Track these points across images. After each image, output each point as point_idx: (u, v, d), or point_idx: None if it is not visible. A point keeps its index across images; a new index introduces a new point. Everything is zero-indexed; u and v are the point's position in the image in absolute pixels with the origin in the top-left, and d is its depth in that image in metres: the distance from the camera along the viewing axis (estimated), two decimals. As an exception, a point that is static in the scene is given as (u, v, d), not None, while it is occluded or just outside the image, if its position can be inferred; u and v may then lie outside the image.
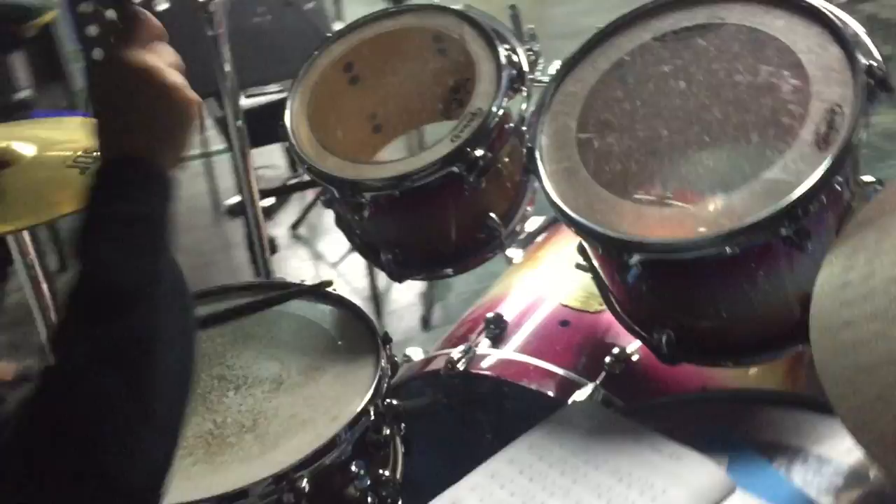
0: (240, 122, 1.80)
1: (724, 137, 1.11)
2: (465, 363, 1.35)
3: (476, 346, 1.40)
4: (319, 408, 1.12)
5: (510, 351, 1.40)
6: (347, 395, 1.14)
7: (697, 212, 1.04)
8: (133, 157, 0.75)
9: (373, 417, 1.12)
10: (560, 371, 1.33)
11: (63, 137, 1.42)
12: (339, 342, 1.25)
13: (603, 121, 1.20)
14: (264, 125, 1.62)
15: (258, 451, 1.06)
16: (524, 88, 1.32)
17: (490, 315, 1.44)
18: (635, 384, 1.30)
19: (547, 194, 1.15)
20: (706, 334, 1.16)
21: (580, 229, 1.10)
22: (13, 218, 1.21)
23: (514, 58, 1.34)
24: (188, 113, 0.78)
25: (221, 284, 1.39)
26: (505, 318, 1.45)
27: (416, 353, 1.56)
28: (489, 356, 1.39)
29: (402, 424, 1.26)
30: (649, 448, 0.96)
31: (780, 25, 1.15)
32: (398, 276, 1.42)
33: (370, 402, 1.11)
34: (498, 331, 1.44)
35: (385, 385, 1.17)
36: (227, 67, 1.71)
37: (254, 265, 2.07)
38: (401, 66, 1.46)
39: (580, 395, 1.24)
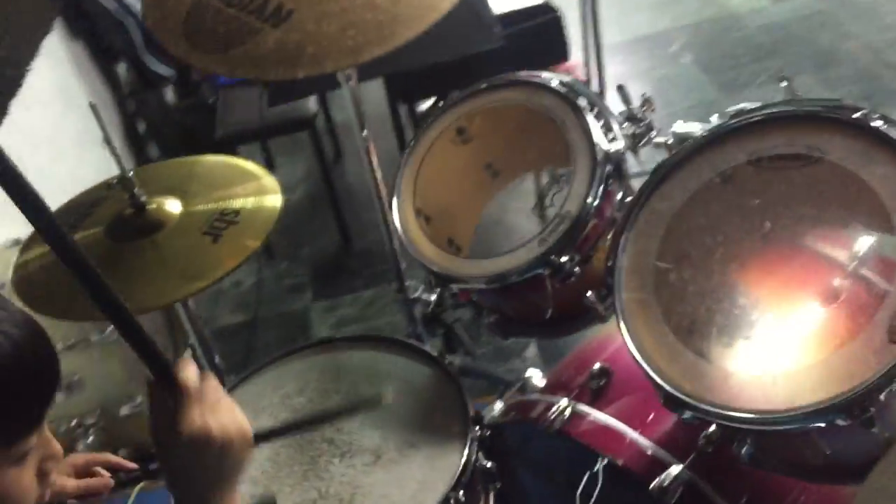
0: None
1: (796, 303, 1.10)
2: (562, 422, 1.44)
3: (576, 399, 1.48)
4: (407, 490, 1.30)
5: (607, 415, 1.46)
6: (434, 481, 1.29)
7: (763, 382, 1.06)
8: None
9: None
10: (651, 446, 1.39)
11: (214, 179, 1.59)
12: (436, 415, 1.40)
13: (683, 251, 1.21)
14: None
15: (350, 532, 1.27)
16: (620, 186, 1.33)
17: (596, 367, 1.50)
18: (726, 467, 1.34)
19: (619, 328, 1.20)
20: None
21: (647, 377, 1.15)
22: (154, 295, 1.38)
23: (615, 147, 1.34)
24: (244, 458, 0.88)
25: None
26: (611, 370, 1.50)
27: (536, 377, 1.64)
28: (586, 417, 1.46)
29: (496, 483, 1.41)
30: None
31: (880, 174, 1.09)
32: (503, 334, 1.53)
33: (452, 491, 1.27)
34: (601, 384, 1.50)
35: (470, 473, 1.31)
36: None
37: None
38: (512, 133, 1.49)
39: (665, 478, 1.30)
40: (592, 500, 1.43)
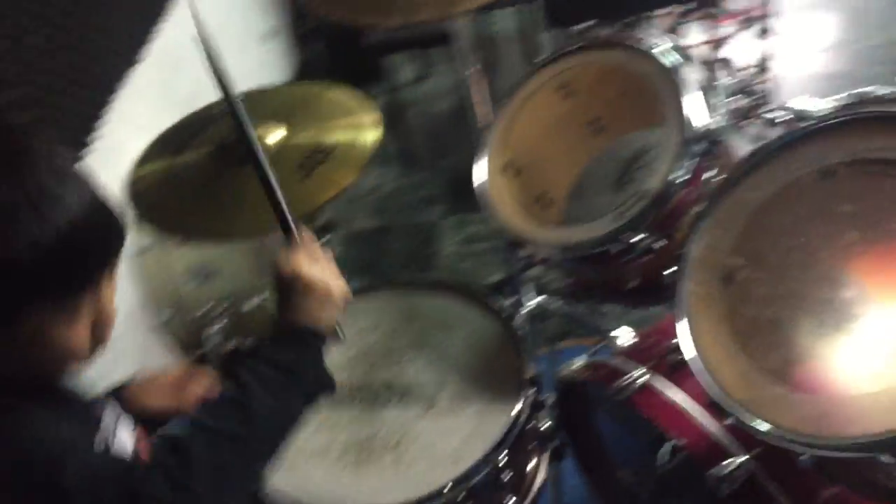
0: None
1: (868, 329, 1.00)
2: (631, 391, 1.41)
3: (653, 370, 1.44)
4: (451, 444, 1.32)
5: (679, 390, 1.42)
6: (478, 438, 1.31)
7: (816, 404, 0.99)
8: (298, 328, 1.05)
9: (490, 467, 1.29)
10: (716, 432, 1.34)
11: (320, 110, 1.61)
12: (494, 372, 1.40)
13: (758, 250, 1.12)
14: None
15: (391, 475, 1.31)
16: (713, 165, 1.24)
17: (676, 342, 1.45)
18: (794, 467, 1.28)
19: (677, 319, 1.14)
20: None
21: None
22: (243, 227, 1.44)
23: (709, 124, 1.24)
24: (339, 305, 1.08)
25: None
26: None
27: (624, 336, 1.60)
28: (657, 391, 1.42)
29: (553, 441, 1.42)
30: None
31: None
32: (579, 298, 1.49)
33: (493, 452, 1.29)
34: (679, 360, 1.45)
35: (516, 434, 1.32)
36: None
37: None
38: (614, 94, 1.41)
39: (722, 468, 1.25)
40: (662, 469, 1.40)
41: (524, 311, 1.52)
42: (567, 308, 1.61)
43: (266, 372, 1.02)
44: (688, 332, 1.12)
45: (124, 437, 1.17)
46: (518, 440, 1.33)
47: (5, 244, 0.89)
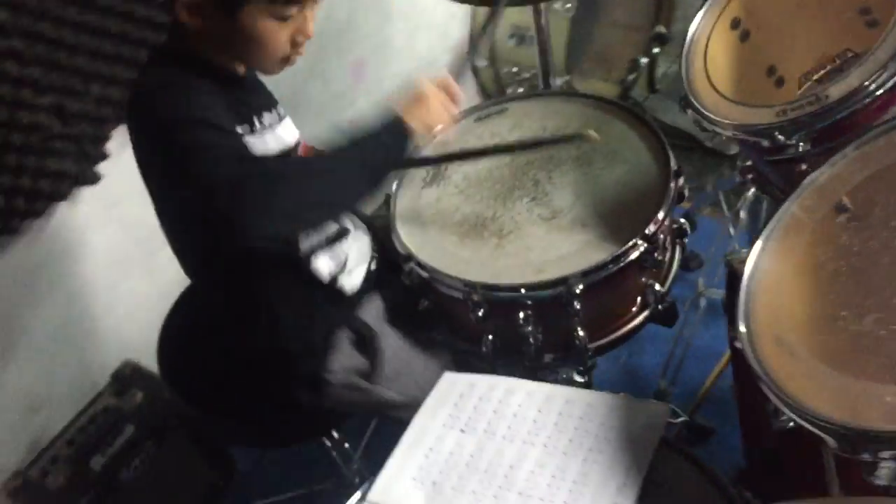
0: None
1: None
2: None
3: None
4: (544, 256, 1.38)
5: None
6: (565, 262, 1.36)
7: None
8: (405, 123, 1.30)
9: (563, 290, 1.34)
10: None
11: None
12: (624, 214, 1.40)
13: (869, 203, 0.99)
14: None
15: (484, 257, 1.41)
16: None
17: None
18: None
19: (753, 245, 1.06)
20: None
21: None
22: None
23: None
24: (438, 122, 1.35)
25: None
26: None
27: None
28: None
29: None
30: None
31: None
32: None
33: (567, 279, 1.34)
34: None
35: (602, 275, 1.35)
36: None
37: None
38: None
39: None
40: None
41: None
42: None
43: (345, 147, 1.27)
44: (759, 251, 1.04)
45: (283, 135, 1.42)
46: (603, 282, 1.36)
47: None
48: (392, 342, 1.46)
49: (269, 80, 1.48)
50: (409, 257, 1.44)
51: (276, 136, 1.42)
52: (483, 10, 2.84)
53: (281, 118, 1.46)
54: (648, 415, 1.15)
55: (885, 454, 0.84)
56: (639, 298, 1.46)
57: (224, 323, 1.51)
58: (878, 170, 1.00)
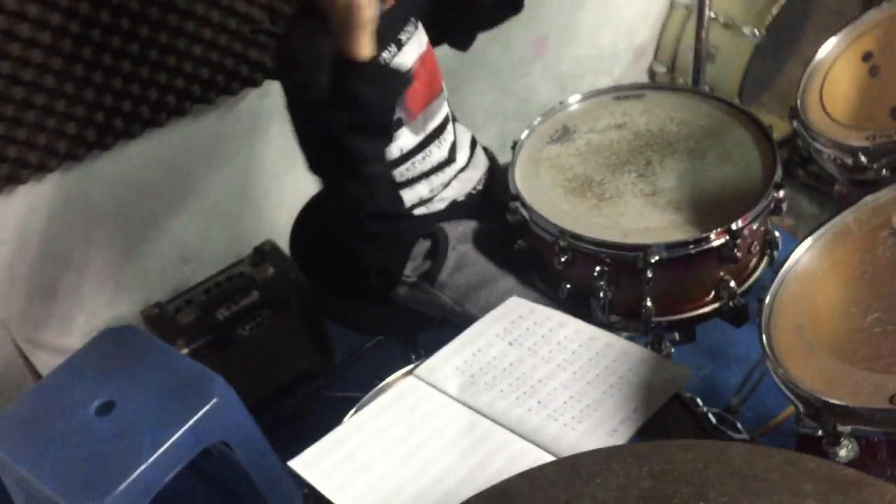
0: None
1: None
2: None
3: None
4: (634, 225, 1.53)
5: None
6: (649, 234, 1.50)
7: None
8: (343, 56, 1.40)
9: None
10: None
11: None
12: (719, 204, 1.52)
13: (878, 254, 1.09)
14: None
15: (581, 213, 1.57)
16: None
17: None
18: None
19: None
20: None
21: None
22: None
23: None
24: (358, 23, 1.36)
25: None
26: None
27: None
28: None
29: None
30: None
31: None
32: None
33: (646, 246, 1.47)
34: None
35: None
36: None
37: None
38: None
39: None
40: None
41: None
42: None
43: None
44: (805, 248, 1.15)
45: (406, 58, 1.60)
46: (680, 261, 1.48)
47: None
48: (474, 259, 1.65)
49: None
50: (517, 196, 1.61)
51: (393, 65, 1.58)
52: (675, 22, 2.95)
53: (399, 47, 1.59)
54: (670, 373, 1.28)
55: (841, 428, 0.94)
56: (713, 290, 1.57)
57: (334, 218, 1.76)
58: None
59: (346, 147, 1.46)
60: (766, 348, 1.09)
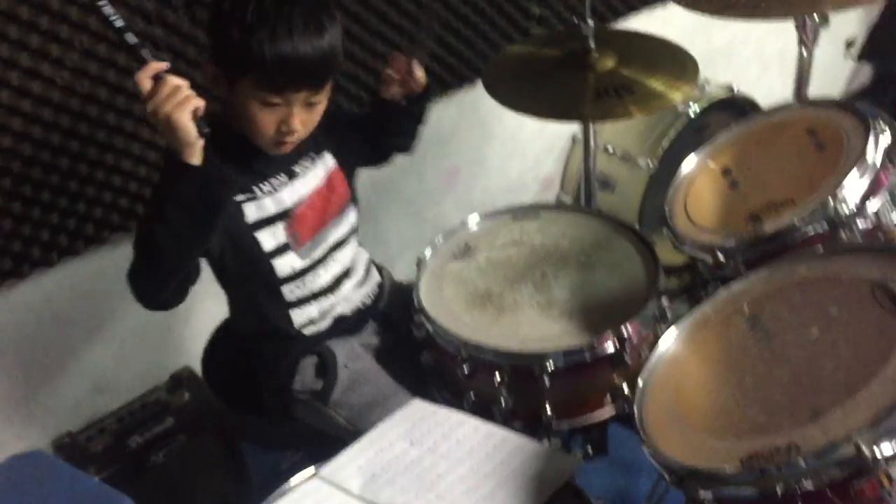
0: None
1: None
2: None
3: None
4: (533, 333, 1.62)
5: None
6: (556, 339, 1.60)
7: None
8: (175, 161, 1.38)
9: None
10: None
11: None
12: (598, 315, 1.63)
13: (731, 337, 1.23)
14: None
15: (486, 326, 1.66)
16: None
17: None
18: None
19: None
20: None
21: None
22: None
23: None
24: (178, 125, 1.32)
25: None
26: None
27: None
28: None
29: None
30: None
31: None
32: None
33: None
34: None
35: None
36: None
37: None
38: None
39: None
40: None
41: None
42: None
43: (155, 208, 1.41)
44: (673, 336, 1.26)
45: (285, 197, 1.66)
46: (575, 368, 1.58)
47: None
48: (370, 377, 1.72)
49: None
50: (421, 310, 1.70)
51: (277, 199, 1.63)
52: (577, 156, 3.17)
53: (292, 178, 1.66)
54: (561, 462, 1.35)
55: (703, 493, 1.03)
56: (609, 395, 1.66)
57: (234, 339, 1.83)
58: (776, 288, 1.23)
59: (150, 242, 1.43)
60: (638, 426, 1.19)
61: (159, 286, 1.50)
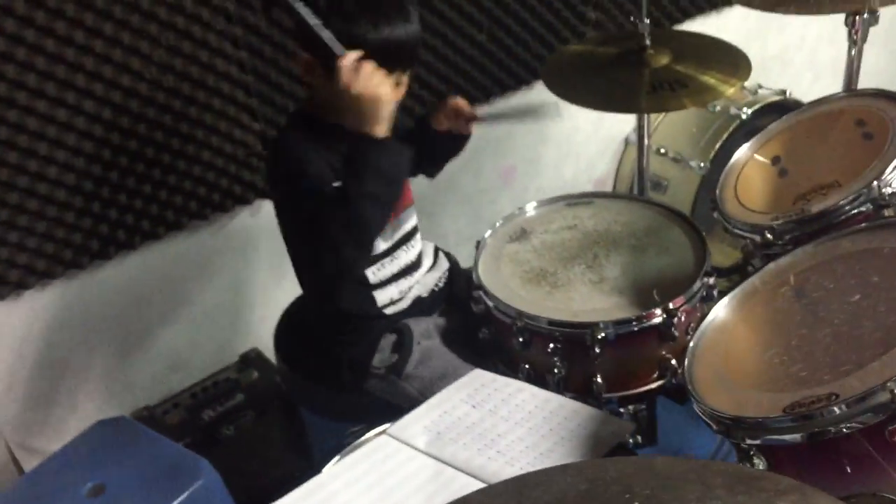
0: None
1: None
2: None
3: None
4: (585, 306, 1.71)
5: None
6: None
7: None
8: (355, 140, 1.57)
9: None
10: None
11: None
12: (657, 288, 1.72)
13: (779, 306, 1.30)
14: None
15: (538, 298, 1.76)
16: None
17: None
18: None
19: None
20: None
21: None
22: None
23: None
24: (385, 107, 1.54)
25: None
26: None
27: None
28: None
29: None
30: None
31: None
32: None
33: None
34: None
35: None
36: None
37: None
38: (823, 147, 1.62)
39: None
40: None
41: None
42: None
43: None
44: (722, 306, 1.34)
45: None
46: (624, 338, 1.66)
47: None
48: (438, 353, 1.83)
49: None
50: (480, 286, 1.80)
51: None
52: (630, 158, 3.25)
53: None
54: (615, 426, 1.43)
55: (750, 442, 1.11)
56: (657, 368, 1.74)
57: (313, 319, 1.94)
58: (821, 261, 1.31)
59: (359, 214, 1.58)
60: (689, 386, 1.27)
61: (368, 251, 1.70)
